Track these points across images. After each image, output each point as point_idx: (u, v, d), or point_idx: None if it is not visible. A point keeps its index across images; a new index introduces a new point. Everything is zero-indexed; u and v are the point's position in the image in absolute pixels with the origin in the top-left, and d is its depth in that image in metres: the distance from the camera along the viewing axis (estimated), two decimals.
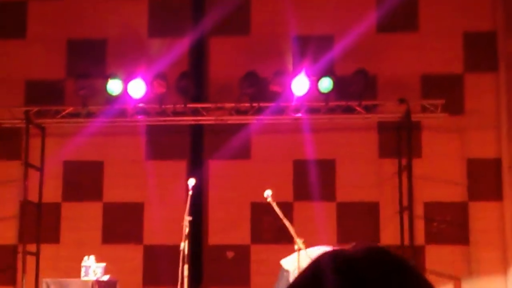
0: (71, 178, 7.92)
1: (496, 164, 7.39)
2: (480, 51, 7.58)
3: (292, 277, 5.55)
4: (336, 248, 0.85)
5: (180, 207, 7.49)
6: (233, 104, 7.58)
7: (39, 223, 7.63)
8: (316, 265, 0.83)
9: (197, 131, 7.91)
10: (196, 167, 7.64)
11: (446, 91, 7.39)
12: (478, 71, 7.56)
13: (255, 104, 7.47)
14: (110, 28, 7.97)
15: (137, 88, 7.47)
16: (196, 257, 7.26)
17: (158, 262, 7.52)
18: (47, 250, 7.63)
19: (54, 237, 7.76)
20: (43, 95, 7.90)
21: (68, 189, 7.91)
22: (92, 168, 7.88)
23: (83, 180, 7.89)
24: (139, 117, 7.74)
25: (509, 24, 7.40)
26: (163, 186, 7.69)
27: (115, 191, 7.81)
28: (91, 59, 7.99)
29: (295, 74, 7.34)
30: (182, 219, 7.39)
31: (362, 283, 0.78)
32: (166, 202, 7.62)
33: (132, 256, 7.56)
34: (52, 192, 7.79)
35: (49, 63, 8.04)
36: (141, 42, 7.98)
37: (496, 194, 7.36)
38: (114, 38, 7.98)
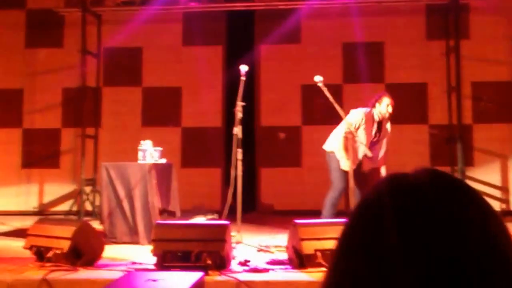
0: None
1: None
2: None
3: (338, 155, 6.08)
4: (395, 173, 0.81)
5: (217, 91, 8.12)
6: None
7: (99, 107, 8.27)
8: (374, 191, 0.79)
9: (248, 16, 8.27)
10: (247, 52, 8.03)
11: None
12: None
13: None
14: None
15: None
16: (248, 138, 7.84)
17: (195, 144, 8.03)
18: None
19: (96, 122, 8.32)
20: None
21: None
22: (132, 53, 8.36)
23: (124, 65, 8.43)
24: (191, 4, 8.10)
25: None
26: (200, 70, 8.15)
27: (154, 77, 8.32)
28: None
29: None
30: (219, 101, 8.01)
31: (428, 213, 0.74)
32: (203, 87, 8.10)
33: (171, 138, 7.96)
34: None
35: None
36: None
37: None
38: None
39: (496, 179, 7.72)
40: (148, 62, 8.38)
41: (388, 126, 6.25)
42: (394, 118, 7.93)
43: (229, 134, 8.08)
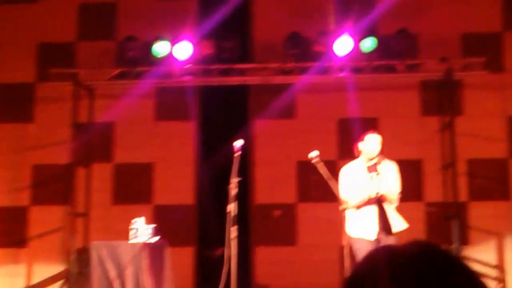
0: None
1: None
2: None
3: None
4: (389, 246, 0.86)
5: (189, 166, 8.25)
6: (277, 64, 8.18)
7: (89, 186, 8.37)
8: (371, 265, 0.83)
9: (243, 91, 8.51)
10: (242, 127, 8.21)
11: (486, 49, 7.99)
12: None
13: (299, 64, 8.06)
14: None
15: (184, 50, 8.00)
16: (242, 217, 7.93)
17: (166, 221, 8.04)
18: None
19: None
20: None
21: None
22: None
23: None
24: (185, 78, 8.33)
25: None
26: (173, 146, 8.39)
27: (125, 152, 8.50)
28: (140, 22, 8.55)
29: (338, 34, 7.87)
30: (191, 177, 8.13)
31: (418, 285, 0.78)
32: (175, 162, 8.30)
33: (141, 216, 8.11)
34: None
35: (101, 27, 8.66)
36: (192, 5, 8.53)
37: None
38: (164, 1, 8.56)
39: (492, 258, 7.85)
40: (120, 137, 8.49)
41: None
42: None
43: (202, 212, 8.23)
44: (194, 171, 8.46)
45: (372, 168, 5.75)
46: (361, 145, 5.88)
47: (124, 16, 8.65)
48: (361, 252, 5.62)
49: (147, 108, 8.52)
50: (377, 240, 5.60)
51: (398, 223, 5.67)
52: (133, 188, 8.45)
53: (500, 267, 7.92)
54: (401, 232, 5.64)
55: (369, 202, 5.64)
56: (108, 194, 8.44)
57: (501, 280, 7.87)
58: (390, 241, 5.59)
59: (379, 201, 5.63)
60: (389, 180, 5.74)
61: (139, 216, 6.85)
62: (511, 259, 7.94)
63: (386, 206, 5.66)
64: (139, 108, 8.40)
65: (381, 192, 5.59)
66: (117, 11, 8.70)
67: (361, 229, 5.62)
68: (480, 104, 8.10)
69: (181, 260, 7.82)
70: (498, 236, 7.95)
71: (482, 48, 8.06)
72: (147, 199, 8.40)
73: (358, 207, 5.69)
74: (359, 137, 5.91)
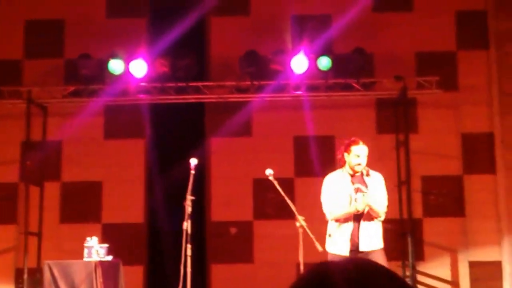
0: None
1: (489, 138, 8.23)
2: (472, 29, 8.38)
3: None
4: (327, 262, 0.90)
5: (139, 185, 8.23)
6: (234, 83, 8.25)
7: (41, 205, 8.26)
8: (300, 279, 0.87)
9: (199, 109, 8.55)
10: (197, 145, 8.24)
11: (440, 68, 8.20)
12: (470, 49, 8.39)
13: (255, 82, 8.16)
14: (113, 9, 8.56)
15: (139, 68, 8.02)
16: (199, 234, 7.93)
17: (115, 240, 7.90)
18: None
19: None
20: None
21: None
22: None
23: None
24: (141, 96, 8.34)
25: (499, 3, 8.18)
26: (122, 164, 8.37)
27: (74, 171, 8.43)
28: (91, 39, 8.54)
29: (294, 52, 8.01)
30: (141, 196, 8.11)
31: None
32: (124, 180, 8.29)
33: (91, 235, 7.68)
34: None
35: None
36: (141, 23, 8.58)
37: (489, 167, 8.18)
38: (115, 19, 8.57)
39: (446, 274, 8.00)
40: (69, 155, 8.43)
41: None
42: None
43: (152, 230, 8.21)
44: (145, 189, 8.43)
45: (358, 180, 5.56)
46: (347, 157, 5.62)
47: (73, 33, 8.61)
48: None
49: (97, 126, 8.47)
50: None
51: (371, 242, 5.52)
52: (81, 207, 8.37)
53: (454, 282, 8.08)
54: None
55: (348, 217, 5.49)
56: (57, 213, 8.34)
57: None
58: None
59: (359, 216, 5.47)
60: (377, 192, 5.53)
61: (88, 235, 6.80)
62: (465, 274, 8.11)
63: (364, 223, 5.49)
64: (88, 126, 8.34)
65: (369, 205, 5.39)
66: (65, 28, 8.65)
67: (335, 245, 5.55)
68: (435, 122, 8.29)
69: (131, 279, 7.74)
70: (452, 252, 8.11)
71: (436, 67, 8.27)
72: (96, 218, 8.32)
73: (338, 220, 5.55)
74: (344, 148, 5.67)
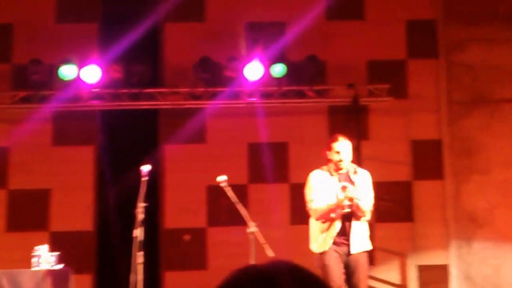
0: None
1: (437, 145, 8.45)
2: (422, 38, 8.61)
3: None
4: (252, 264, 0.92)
5: (89, 192, 8.22)
6: (188, 89, 8.31)
7: None
8: (228, 282, 0.90)
9: (152, 115, 8.57)
10: (151, 152, 8.25)
11: (391, 77, 8.41)
12: (420, 58, 8.63)
13: (209, 89, 8.23)
14: (63, 14, 8.52)
15: (91, 73, 7.99)
16: (151, 242, 7.96)
17: (64, 249, 7.71)
18: None
19: None
20: None
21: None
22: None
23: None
24: (93, 102, 8.32)
25: (448, 13, 8.45)
26: (71, 171, 8.32)
27: (20, 178, 8.36)
28: (40, 44, 8.46)
29: (248, 59, 8.10)
30: (90, 203, 8.11)
31: None
32: (73, 188, 8.27)
33: (39, 243, 7.46)
34: None
35: None
36: (93, 28, 8.57)
37: (437, 173, 8.41)
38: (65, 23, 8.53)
39: (396, 278, 8.20)
40: (15, 163, 8.37)
41: None
42: (297, 219, 8.36)
43: (103, 238, 8.20)
44: (95, 197, 8.42)
45: (344, 178, 5.50)
46: (329, 154, 5.57)
47: (21, 38, 8.51)
48: (330, 268, 5.50)
49: (45, 132, 8.40)
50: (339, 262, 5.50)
51: (360, 245, 5.53)
52: (29, 215, 8.29)
53: (403, 286, 8.30)
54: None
55: (335, 217, 5.43)
56: (3, 221, 8.24)
57: None
58: (352, 260, 5.50)
59: (348, 217, 5.43)
60: (365, 191, 5.50)
61: (36, 243, 6.72)
62: (413, 278, 8.34)
63: (354, 223, 5.46)
64: (37, 132, 8.26)
65: (356, 204, 5.33)
66: (13, 33, 8.56)
67: (324, 247, 5.51)
68: (385, 129, 8.50)
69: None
70: (401, 256, 8.33)
71: (387, 75, 8.48)
72: (43, 226, 8.25)
73: (323, 221, 5.49)
74: (326, 145, 5.64)
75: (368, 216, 5.57)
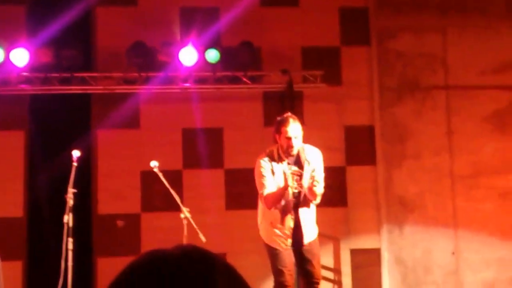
0: None
1: (369, 131, 8.68)
2: (354, 25, 8.81)
3: None
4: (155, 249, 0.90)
5: (18, 178, 8.14)
6: (121, 74, 8.27)
7: None
8: (134, 265, 0.89)
9: (84, 100, 8.50)
10: (83, 137, 8.19)
11: (324, 63, 8.56)
12: (353, 45, 8.80)
13: (143, 74, 8.20)
14: None
15: (21, 57, 7.86)
16: (85, 228, 7.94)
17: None
18: None
19: None
20: None
21: None
22: None
23: None
24: (22, 86, 8.19)
25: (380, 1, 8.67)
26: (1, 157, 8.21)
27: None
28: None
29: (182, 44, 8.12)
30: (20, 189, 8.03)
31: (176, 281, 0.84)
32: (2, 174, 8.16)
33: None
34: None
35: None
36: (21, 10, 8.41)
37: (370, 159, 8.64)
38: None
39: (329, 261, 8.40)
40: None
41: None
42: (232, 204, 8.48)
43: (33, 224, 8.13)
44: (24, 182, 8.30)
45: (294, 161, 5.33)
46: (278, 138, 5.37)
47: None
48: (273, 261, 5.45)
49: None
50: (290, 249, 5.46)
51: (311, 233, 5.50)
52: None
53: (336, 269, 8.51)
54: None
55: (286, 206, 5.34)
56: None
57: (337, 282, 8.50)
58: (306, 251, 5.48)
59: (297, 205, 5.33)
60: (317, 172, 5.32)
61: None
62: (346, 261, 8.56)
63: (303, 211, 5.37)
64: None
65: (308, 187, 5.15)
66: None
67: (275, 238, 5.44)
68: (319, 115, 8.65)
69: (9, 275, 7.61)
70: (335, 240, 8.54)
71: (321, 61, 8.64)
72: None
73: (275, 207, 5.38)
74: (275, 129, 5.40)
75: (318, 198, 5.42)
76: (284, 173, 5.20)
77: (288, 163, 5.35)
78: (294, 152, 5.31)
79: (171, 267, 0.91)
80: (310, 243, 5.49)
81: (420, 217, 8.60)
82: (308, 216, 5.47)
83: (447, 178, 8.65)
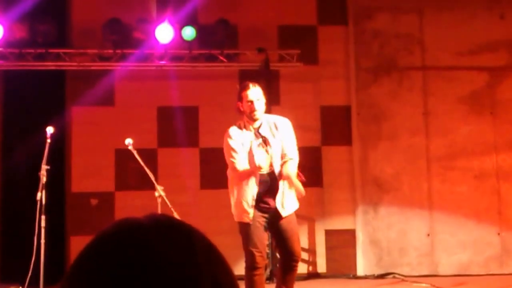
0: None
1: (346, 111, 8.77)
2: (332, 5, 8.88)
3: None
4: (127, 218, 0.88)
5: None
6: (96, 50, 8.28)
7: None
8: (100, 234, 0.86)
9: (59, 77, 8.50)
10: (57, 114, 8.20)
11: (301, 42, 8.63)
12: (330, 24, 8.88)
13: (118, 51, 8.22)
14: None
15: None
16: (58, 205, 7.98)
17: None
18: None
19: None
20: None
21: None
22: None
23: None
24: None
25: None
26: None
27: None
28: None
29: (158, 22, 8.13)
30: None
31: (148, 251, 0.81)
32: None
33: None
34: None
35: None
36: None
37: (346, 139, 8.74)
38: None
39: (304, 242, 8.51)
40: None
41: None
42: (206, 183, 8.53)
43: (5, 202, 8.14)
44: None
45: (262, 132, 5.11)
46: (242, 106, 5.16)
47: None
48: (244, 240, 5.20)
49: None
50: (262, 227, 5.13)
51: (291, 205, 5.18)
52: None
53: (311, 250, 8.64)
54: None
55: (264, 179, 5.03)
56: None
57: (312, 263, 8.63)
58: (284, 227, 5.15)
59: (271, 176, 5.06)
60: (287, 143, 5.11)
61: None
62: (321, 242, 8.68)
63: (282, 182, 5.06)
64: None
65: (274, 162, 4.93)
66: None
67: (244, 212, 5.11)
68: (296, 94, 8.72)
69: None
70: (310, 221, 8.65)
71: (297, 40, 8.69)
72: None
73: (242, 183, 5.10)
74: (237, 96, 5.21)
75: (293, 170, 5.12)
76: (251, 150, 5.09)
77: (256, 133, 5.13)
78: (258, 115, 5.08)
79: (144, 235, 0.87)
80: (288, 217, 5.14)
81: (396, 199, 8.71)
82: (285, 187, 5.11)
83: (423, 159, 8.76)
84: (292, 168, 5.10)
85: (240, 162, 5.07)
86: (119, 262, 0.84)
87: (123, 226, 0.89)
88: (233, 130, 5.20)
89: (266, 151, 5.03)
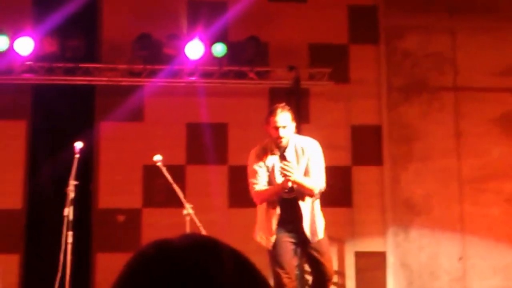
0: None
1: (376, 131, 8.64)
2: (363, 24, 8.82)
3: None
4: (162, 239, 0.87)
5: (18, 169, 8.08)
6: (126, 66, 8.24)
7: None
8: (140, 255, 0.87)
9: (88, 92, 8.47)
10: (86, 129, 8.18)
11: (332, 61, 8.56)
12: (361, 43, 8.83)
13: (148, 67, 8.18)
14: None
15: (25, 45, 7.86)
16: (84, 222, 7.89)
17: None
18: None
19: None
20: None
21: None
22: None
23: None
24: (26, 75, 8.16)
25: (389, 0, 8.60)
26: (1, 147, 8.21)
27: None
28: None
29: (189, 38, 8.08)
30: (19, 180, 7.99)
31: (182, 271, 0.83)
32: (2, 165, 8.15)
33: None
34: None
35: None
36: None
37: (376, 159, 8.60)
38: None
39: (333, 264, 8.30)
40: None
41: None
42: (235, 201, 8.41)
43: (32, 217, 8.08)
44: (25, 174, 8.26)
45: (287, 154, 5.08)
46: (268, 128, 5.16)
47: None
48: (270, 261, 5.18)
49: None
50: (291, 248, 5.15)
51: (317, 230, 5.10)
52: None
53: (340, 272, 8.48)
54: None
55: (284, 200, 5.01)
56: None
57: (342, 285, 8.46)
58: (313, 250, 5.16)
59: (294, 199, 5.01)
60: (311, 162, 5.08)
61: None
62: (351, 264, 8.54)
63: (304, 205, 5.04)
64: None
65: (297, 182, 4.85)
66: None
67: (266, 238, 5.16)
68: (326, 113, 8.63)
69: (6, 268, 7.63)
70: (339, 242, 8.48)
71: (328, 59, 8.61)
72: None
73: (265, 209, 5.15)
74: (265, 120, 5.18)
75: (315, 197, 5.13)
76: (274, 172, 5.09)
77: (281, 156, 5.11)
78: (284, 143, 5.08)
79: (181, 258, 0.89)
80: (318, 241, 5.11)
81: (427, 221, 8.57)
82: (307, 211, 5.08)
83: (455, 181, 8.61)
84: (307, 180, 5.03)
85: (260, 186, 5.13)
86: (160, 283, 0.85)
87: (162, 247, 0.90)
88: (256, 152, 5.25)
89: (287, 176, 4.95)
